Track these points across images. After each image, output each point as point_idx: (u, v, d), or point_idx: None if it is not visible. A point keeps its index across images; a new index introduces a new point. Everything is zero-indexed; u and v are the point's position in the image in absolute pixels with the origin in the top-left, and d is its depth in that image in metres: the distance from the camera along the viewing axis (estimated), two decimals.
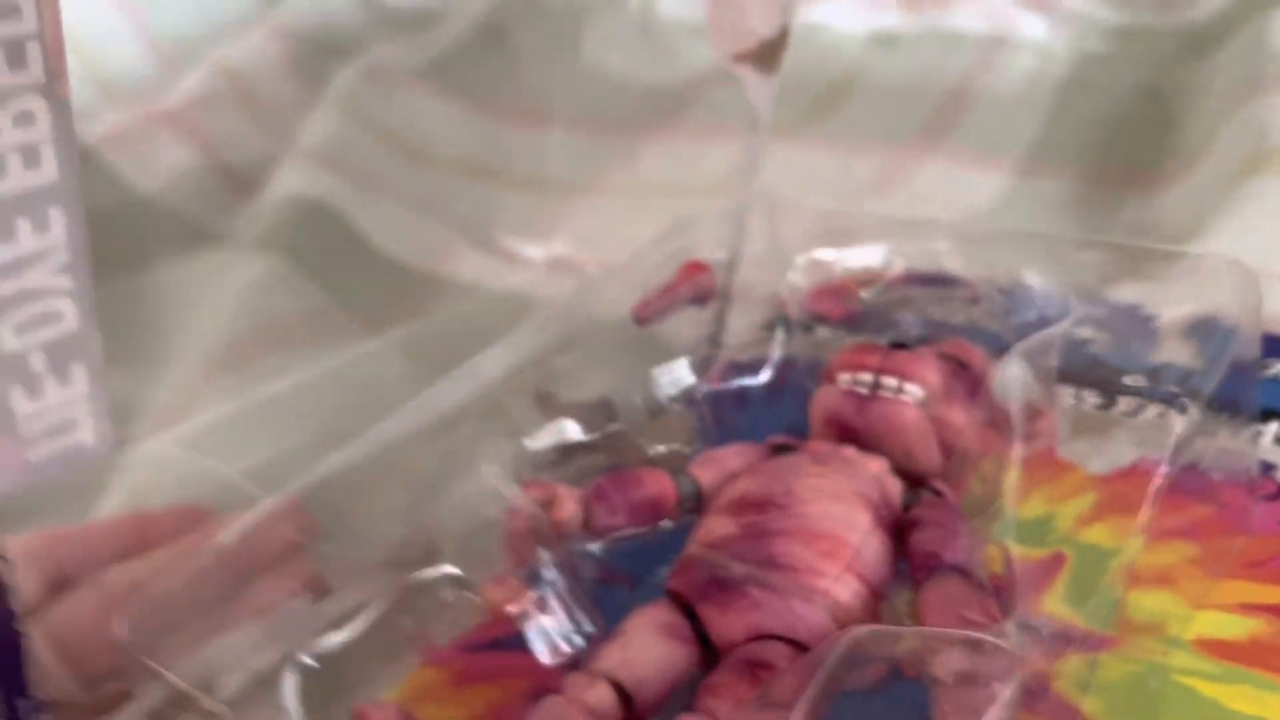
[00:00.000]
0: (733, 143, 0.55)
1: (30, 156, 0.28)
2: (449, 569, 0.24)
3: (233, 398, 0.35)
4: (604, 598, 0.26)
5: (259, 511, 0.25)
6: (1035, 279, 0.31)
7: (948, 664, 0.19)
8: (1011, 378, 0.26)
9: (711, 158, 0.54)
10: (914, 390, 0.26)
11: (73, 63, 0.68)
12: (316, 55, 0.67)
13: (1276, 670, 0.25)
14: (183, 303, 0.42)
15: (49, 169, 0.28)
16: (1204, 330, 0.30)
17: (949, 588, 0.23)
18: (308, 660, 0.23)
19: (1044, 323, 0.29)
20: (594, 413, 0.29)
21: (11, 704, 0.23)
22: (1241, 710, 0.24)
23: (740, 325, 0.35)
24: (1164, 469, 0.26)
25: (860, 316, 0.35)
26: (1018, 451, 0.26)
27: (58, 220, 0.29)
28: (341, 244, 0.45)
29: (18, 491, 0.29)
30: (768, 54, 0.36)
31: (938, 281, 0.33)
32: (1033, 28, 0.62)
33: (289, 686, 0.22)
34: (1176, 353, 0.31)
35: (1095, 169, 0.48)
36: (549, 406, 0.29)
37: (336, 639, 0.23)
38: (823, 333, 0.36)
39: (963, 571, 0.23)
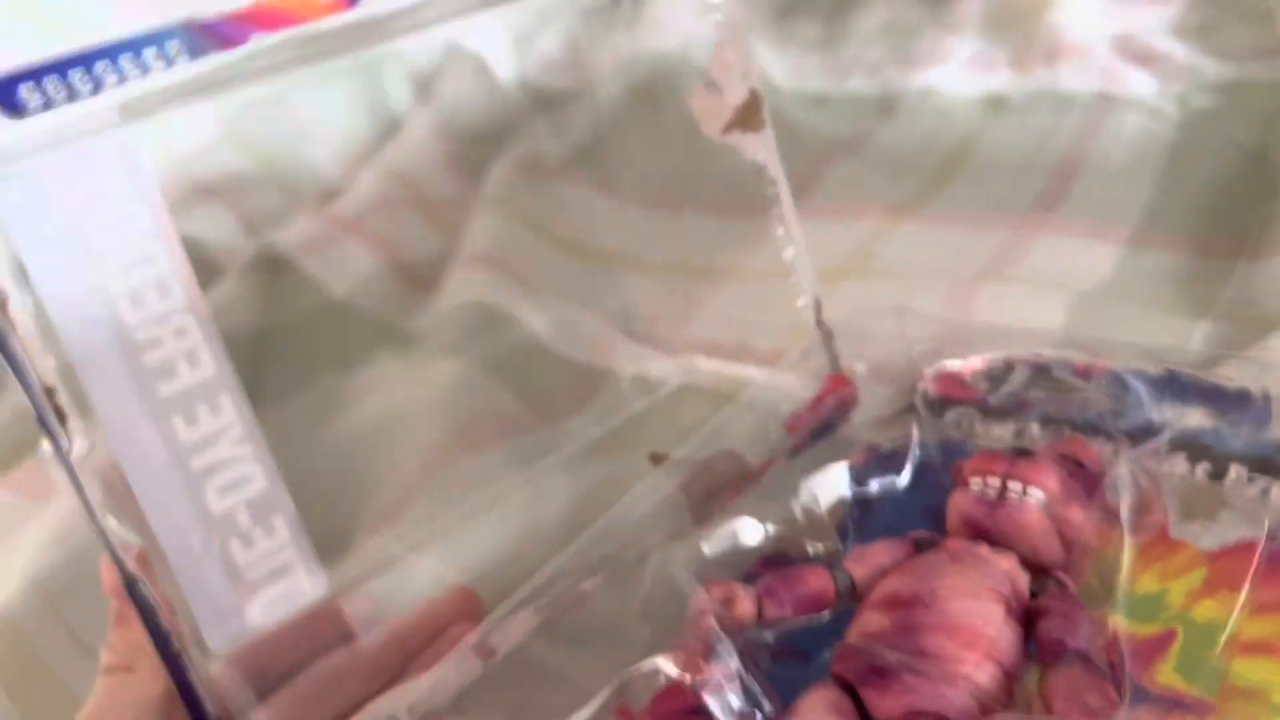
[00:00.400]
0: (856, 219, 0.59)
1: (192, 359, 0.34)
2: (660, 660, 0.30)
3: (443, 503, 0.41)
4: (776, 676, 0.31)
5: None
6: (1143, 378, 0.34)
7: None
8: (1121, 480, 0.30)
9: (835, 235, 0.58)
10: (1036, 494, 0.31)
11: (253, 168, 0.76)
12: (473, 150, 0.74)
13: None
14: (383, 409, 0.48)
15: (208, 365, 0.35)
16: None
17: (1072, 674, 0.27)
18: None
19: (1150, 423, 0.33)
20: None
21: None
22: None
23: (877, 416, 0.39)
24: (1262, 543, 0.30)
25: (987, 405, 0.39)
26: (1128, 543, 0.30)
27: (226, 404, 0.35)
28: (514, 343, 0.51)
29: (251, 635, 0.35)
30: (748, 116, 0.41)
31: (1053, 378, 0.37)
32: (1140, 84, 0.64)
33: None
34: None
35: (1204, 237, 0.50)
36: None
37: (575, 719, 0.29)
38: (952, 415, 0.40)
39: (1084, 657, 0.28)
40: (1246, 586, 0.31)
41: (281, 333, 0.58)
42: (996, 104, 0.67)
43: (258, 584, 0.36)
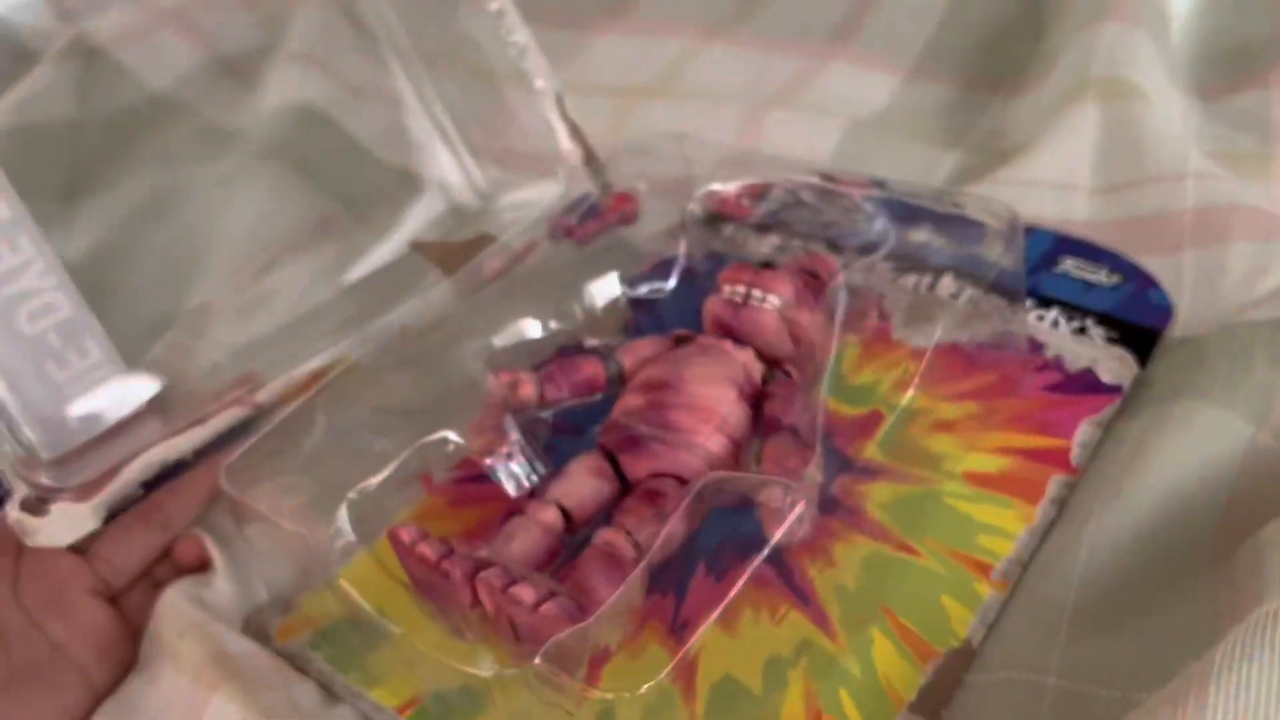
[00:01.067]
0: (668, 36, 0.62)
1: None
2: (447, 432, 0.35)
3: (260, 305, 0.44)
4: (556, 447, 0.37)
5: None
6: (879, 203, 0.40)
7: (766, 496, 0.31)
8: (838, 292, 0.36)
9: (648, 53, 0.61)
10: (773, 299, 0.37)
11: None
12: None
13: (1012, 493, 0.36)
14: (208, 210, 0.50)
15: (2, 210, 0.38)
16: (993, 237, 0.39)
17: (780, 442, 0.34)
18: (353, 495, 0.34)
19: (878, 238, 0.39)
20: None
21: None
22: (983, 520, 0.35)
23: (659, 230, 0.44)
24: (952, 347, 0.37)
25: (748, 223, 0.45)
26: (838, 338, 0.36)
27: (25, 243, 0.38)
28: (333, 147, 0.53)
29: (71, 445, 0.38)
30: None
31: (803, 201, 0.42)
32: None
33: (343, 513, 0.33)
34: (984, 250, 0.41)
35: (972, 72, 0.56)
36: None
37: (375, 480, 0.34)
38: (727, 230, 0.46)
39: (793, 430, 0.34)
40: (917, 376, 0.37)
41: (98, 126, 0.58)
42: None
43: (76, 397, 0.40)
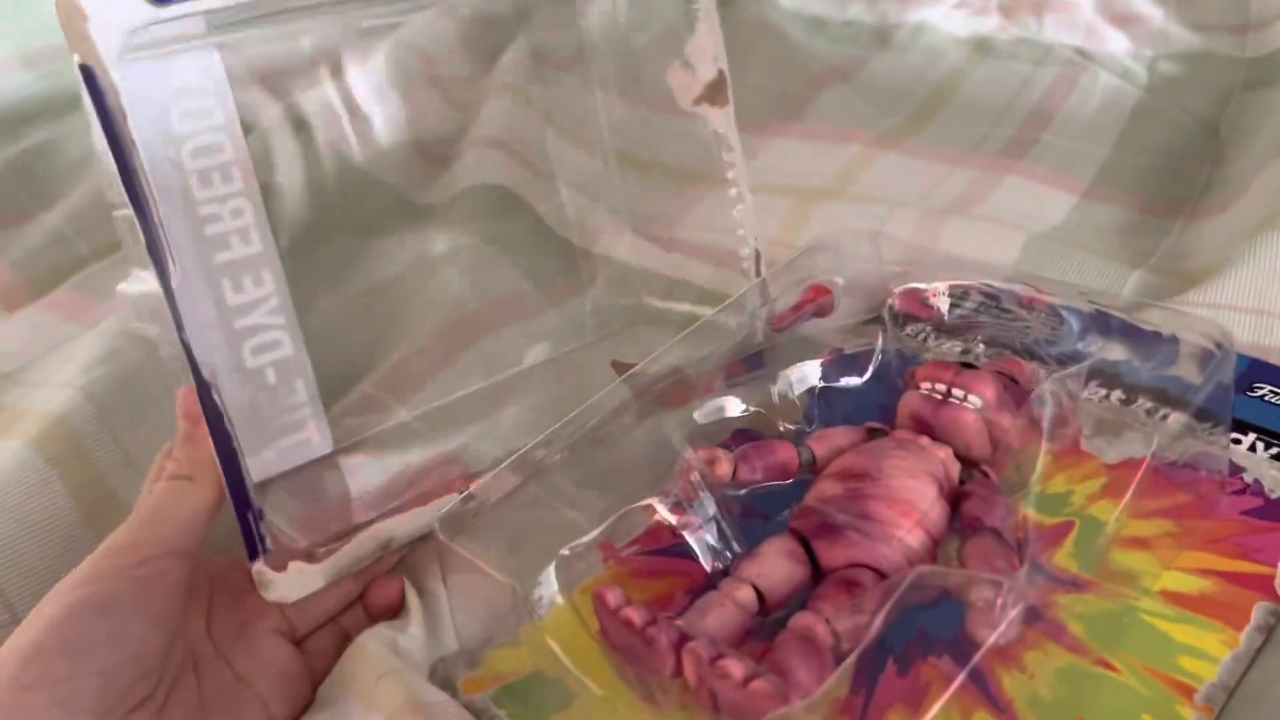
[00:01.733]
0: (842, 143, 0.64)
1: (244, 236, 0.40)
2: (650, 500, 0.36)
3: (456, 377, 0.46)
4: (744, 528, 0.38)
5: None
6: (1077, 314, 0.40)
7: (978, 594, 0.30)
8: (1045, 396, 0.36)
9: (822, 156, 0.63)
10: (975, 400, 0.37)
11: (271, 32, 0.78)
12: (485, 33, 0.77)
13: (1214, 616, 0.35)
14: (402, 279, 0.53)
15: (256, 243, 0.40)
16: (1203, 359, 0.39)
17: (985, 543, 0.33)
18: (565, 552, 0.34)
19: (1079, 351, 0.39)
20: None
21: (244, 517, 0.35)
22: (1184, 641, 0.34)
23: (845, 325, 0.45)
24: (1147, 462, 0.36)
25: (943, 323, 0.45)
26: (1044, 448, 0.36)
27: (268, 278, 0.41)
28: (523, 224, 0.56)
29: (262, 477, 0.40)
30: (715, 92, 0.46)
31: (1001, 306, 0.43)
32: (1116, 44, 0.69)
33: (551, 570, 0.34)
34: (1186, 371, 0.41)
35: (1149, 196, 0.56)
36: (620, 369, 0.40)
37: (585, 539, 0.35)
38: (912, 329, 0.46)
39: (997, 533, 0.34)
40: (1127, 494, 0.37)
41: (301, 192, 0.61)
42: (983, 47, 0.72)
43: (275, 435, 0.42)
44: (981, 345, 0.42)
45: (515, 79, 0.69)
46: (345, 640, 0.38)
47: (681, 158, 0.60)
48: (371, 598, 0.39)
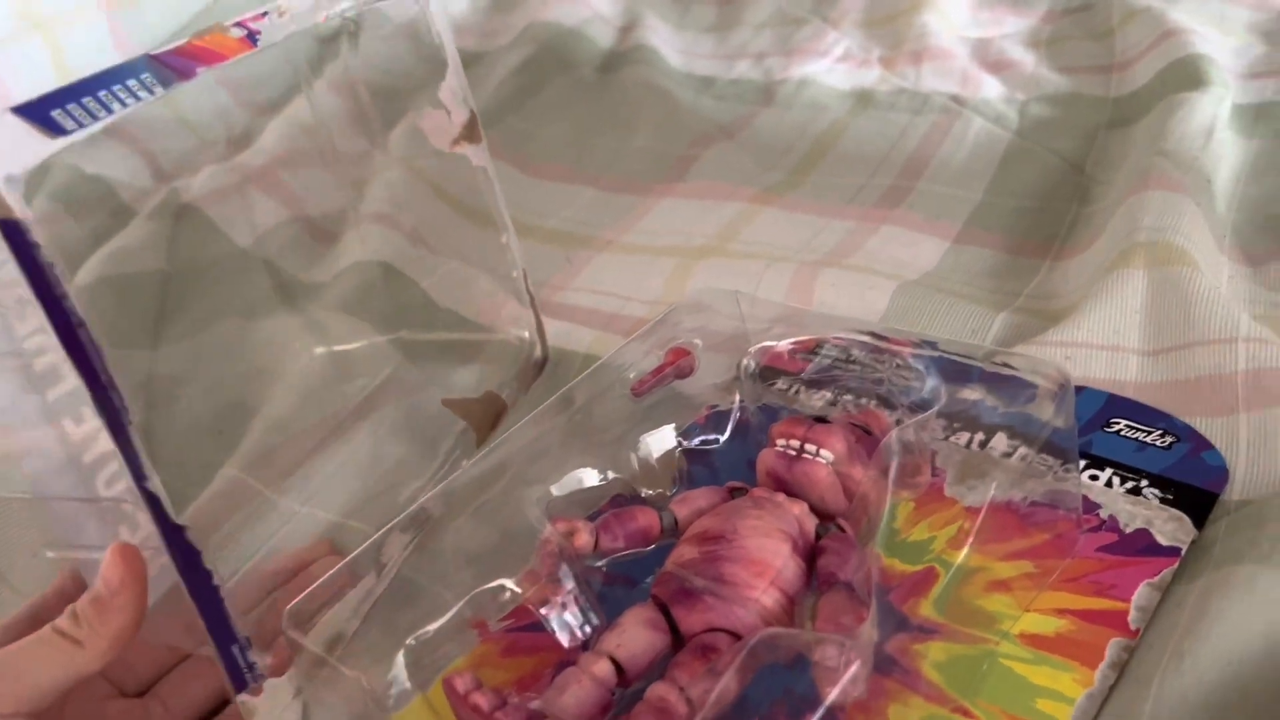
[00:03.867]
0: (724, 200, 0.65)
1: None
2: (504, 580, 0.36)
3: (332, 455, 0.46)
4: (607, 597, 0.38)
5: None
6: (930, 362, 0.41)
7: (821, 654, 0.31)
8: (892, 446, 0.36)
9: (705, 215, 0.64)
10: (827, 454, 0.37)
11: (161, 110, 0.79)
12: (377, 108, 0.77)
13: (1069, 656, 0.35)
14: (281, 361, 0.53)
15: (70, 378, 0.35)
16: (1049, 398, 0.40)
17: (836, 599, 0.34)
18: (411, 641, 0.34)
19: (930, 398, 0.40)
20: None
21: (228, 651, 0.34)
22: (1040, 684, 0.35)
23: (713, 383, 0.46)
24: (1005, 505, 0.37)
25: (800, 378, 0.46)
26: (895, 496, 0.37)
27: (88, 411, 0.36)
28: (407, 301, 0.56)
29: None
30: (470, 131, 0.48)
31: (856, 359, 0.44)
32: (990, 89, 0.72)
33: (400, 659, 0.34)
34: (1038, 410, 0.41)
35: (1018, 237, 0.58)
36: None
37: (432, 627, 0.35)
38: (780, 384, 0.47)
39: (849, 587, 0.34)
40: (972, 537, 0.38)
41: (188, 277, 0.61)
42: (864, 99, 0.74)
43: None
44: (842, 398, 0.43)
45: (404, 151, 0.69)
46: None
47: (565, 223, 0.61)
48: None
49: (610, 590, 0.38)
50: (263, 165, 0.69)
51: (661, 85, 0.77)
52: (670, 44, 0.83)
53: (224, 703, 0.38)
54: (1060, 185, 0.61)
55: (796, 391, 0.46)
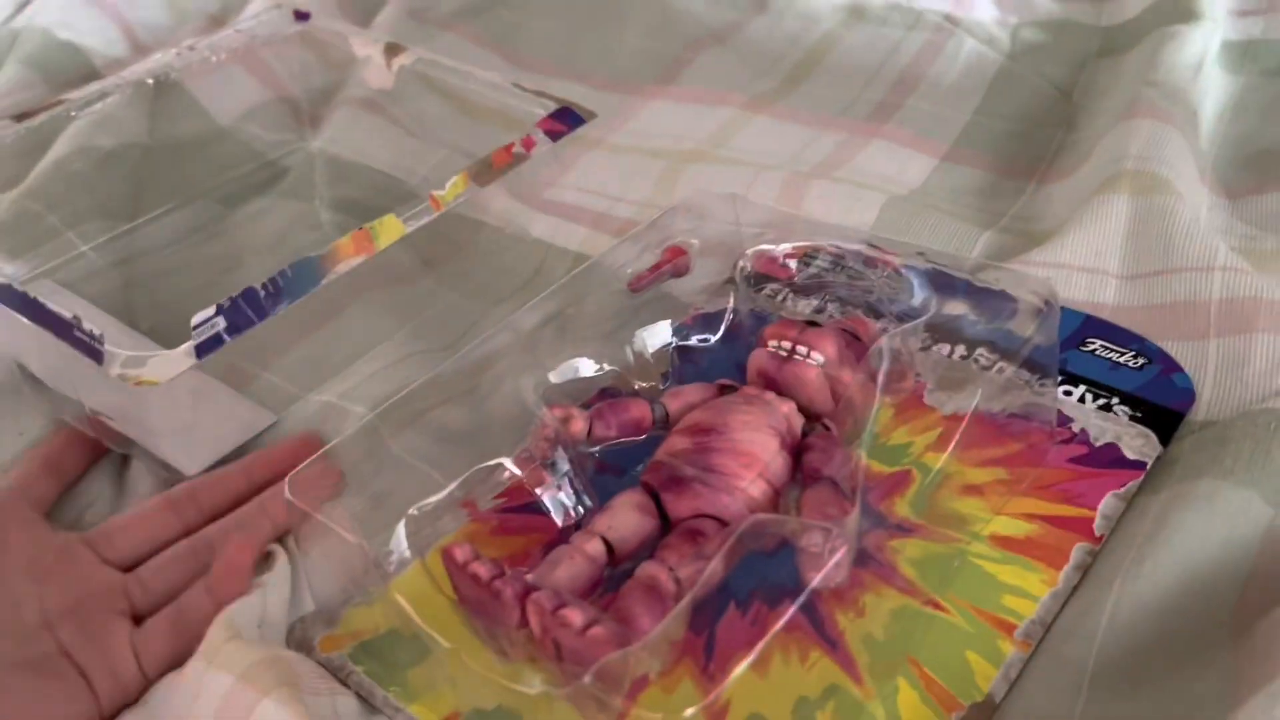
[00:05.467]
0: (716, 105, 0.65)
1: None
2: (504, 459, 0.37)
3: (333, 343, 0.46)
4: (597, 483, 0.39)
5: None
6: (919, 273, 0.42)
7: (808, 540, 0.32)
8: (881, 352, 0.37)
9: (696, 119, 0.64)
10: (817, 356, 0.38)
11: None
12: None
13: (1036, 557, 0.37)
14: (265, 242, 0.52)
15: None
16: (1034, 315, 0.41)
17: (821, 492, 0.35)
18: (414, 512, 0.35)
19: (918, 308, 0.41)
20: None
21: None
22: (1008, 581, 0.37)
23: (704, 284, 0.46)
24: (971, 413, 0.39)
25: (796, 283, 0.47)
26: (881, 400, 0.38)
27: None
28: (387, 192, 0.56)
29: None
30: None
31: (848, 267, 0.44)
32: (983, 10, 0.71)
33: (401, 529, 0.34)
34: (1019, 326, 0.42)
35: (1005, 159, 0.59)
36: None
37: (433, 499, 0.35)
38: (769, 289, 0.48)
39: (833, 482, 0.36)
40: (953, 443, 0.39)
41: (166, 151, 0.60)
42: (856, 12, 0.73)
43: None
44: (832, 304, 0.44)
45: (390, 35, 0.68)
46: (181, 622, 0.37)
47: None
48: (219, 572, 0.38)
49: (600, 477, 0.39)
50: (245, 43, 0.67)
51: None
52: None
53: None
54: (1048, 110, 0.62)
55: (784, 298, 0.47)
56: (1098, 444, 0.41)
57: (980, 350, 0.44)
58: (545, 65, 0.70)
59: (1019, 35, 0.69)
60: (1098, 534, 0.38)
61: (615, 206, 0.56)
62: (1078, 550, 0.37)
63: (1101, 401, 0.42)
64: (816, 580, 0.30)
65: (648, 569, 0.33)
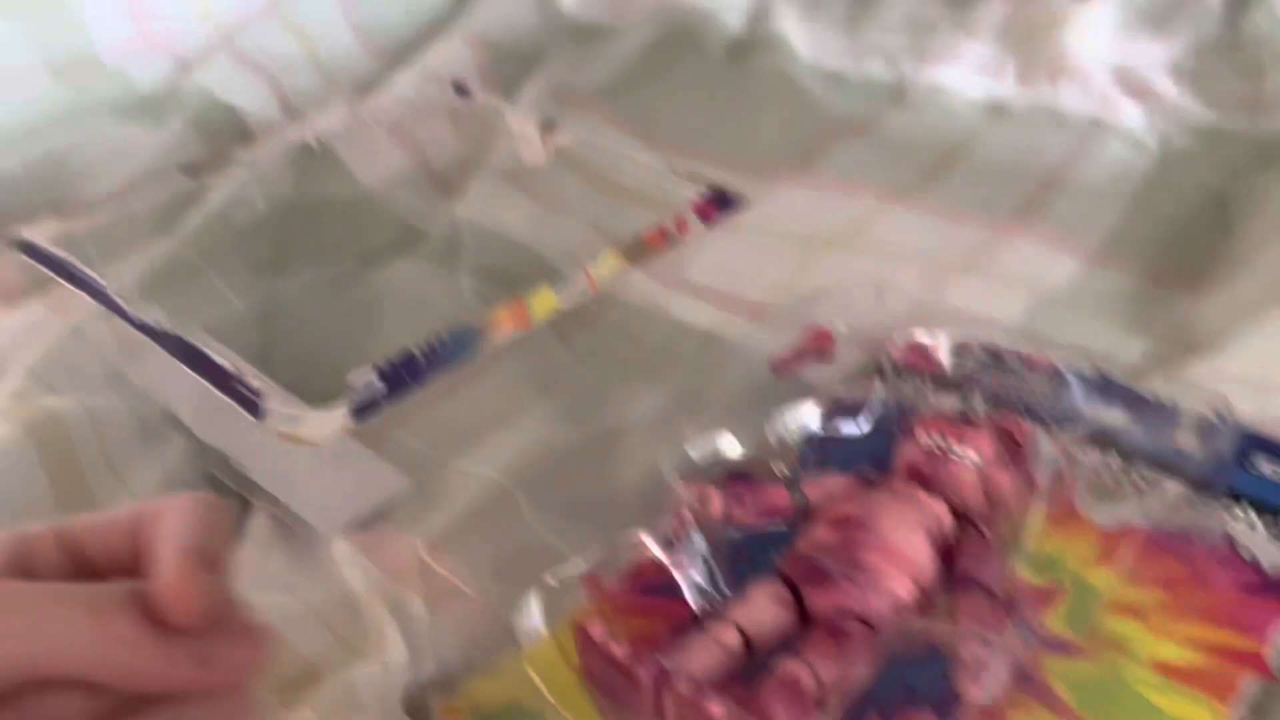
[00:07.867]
0: (852, 196, 0.64)
1: None
2: (643, 535, 0.35)
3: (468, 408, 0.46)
4: (734, 569, 0.37)
5: None
6: (1078, 376, 0.40)
7: (967, 651, 0.30)
8: (1044, 458, 0.36)
9: (832, 207, 0.63)
10: (973, 456, 0.37)
11: (296, 49, 0.80)
12: (506, 66, 0.78)
13: (1203, 688, 0.34)
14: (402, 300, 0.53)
15: None
16: (1203, 429, 0.39)
17: (976, 600, 0.33)
18: (551, 581, 0.34)
19: (1078, 413, 0.39)
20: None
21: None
22: (1172, 712, 0.34)
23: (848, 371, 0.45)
24: (1142, 531, 0.36)
25: (942, 377, 0.45)
26: (1039, 509, 0.36)
27: None
28: (524, 260, 0.56)
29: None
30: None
31: (1004, 364, 0.43)
32: (1130, 116, 0.70)
33: (533, 597, 0.33)
34: (1185, 440, 0.40)
35: (1156, 265, 0.56)
36: None
37: (571, 569, 0.34)
38: (910, 382, 0.46)
39: (988, 590, 0.34)
40: (1120, 562, 0.37)
41: (311, 209, 0.62)
42: (998, 110, 0.72)
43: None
44: (980, 401, 0.42)
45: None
46: None
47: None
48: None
49: (736, 564, 0.37)
50: (391, 110, 0.69)
51: (791, 75, 0.76)
52: (800, 35, 0.82)
53: None
54: (1201, 218, 0.60)
55: (931, 391, 0.45)
56: (1270, 572, 0.38)
57: (1140, 461, 0.41)
58: (682, 148, 0.70)
59: (1169, 141, 0.67)
60: (1271, 669, 0.35)
61: (747, 289, 0.56)
62: (1248, 685, 0.34)
63: (1275, 529, 0.39)
64: (979, 694, 0.28)
65: (789, 667, 0.32)
